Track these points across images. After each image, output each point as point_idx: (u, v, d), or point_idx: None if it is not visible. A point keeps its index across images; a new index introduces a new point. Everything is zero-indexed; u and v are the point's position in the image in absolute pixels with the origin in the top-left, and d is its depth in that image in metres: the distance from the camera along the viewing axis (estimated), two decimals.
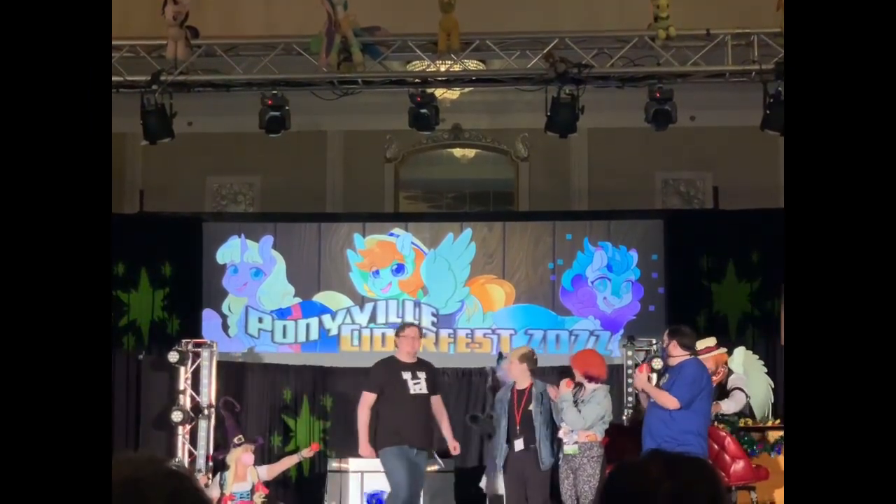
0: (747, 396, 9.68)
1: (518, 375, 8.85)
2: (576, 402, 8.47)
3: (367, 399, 8.95)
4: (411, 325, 9.61)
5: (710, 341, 9.83)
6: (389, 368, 9.01)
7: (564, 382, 8.53)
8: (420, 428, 8.88)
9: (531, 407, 8.67)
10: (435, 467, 9.23)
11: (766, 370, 10.35)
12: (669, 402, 8.05)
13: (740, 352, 10.41)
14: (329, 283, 11.69)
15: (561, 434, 8.47)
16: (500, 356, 10.30)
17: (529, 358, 8.92)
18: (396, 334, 9.26)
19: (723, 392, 9.67)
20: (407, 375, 8.93)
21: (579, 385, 8.63)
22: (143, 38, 9.85)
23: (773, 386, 10.34)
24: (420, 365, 9.03)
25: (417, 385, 8.93)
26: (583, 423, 8.39)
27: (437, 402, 9.08)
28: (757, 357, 10.44)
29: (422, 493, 9.18)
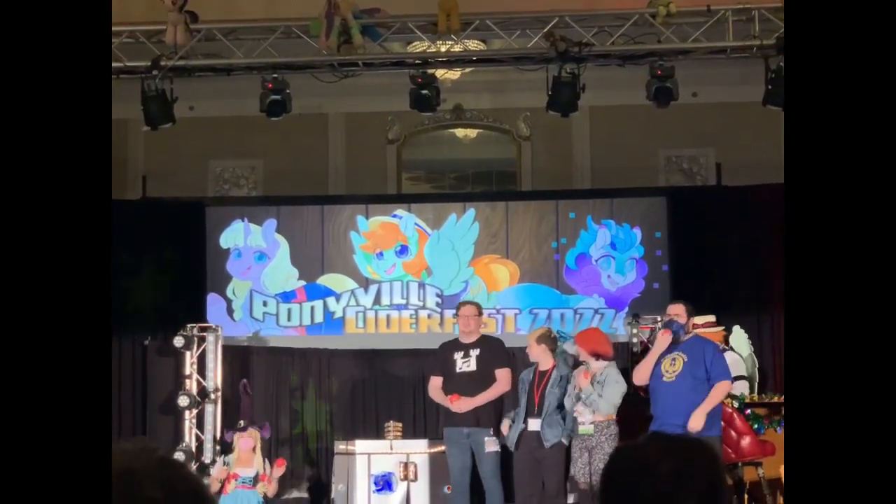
0: (746, 379, 9.73)
1: (538, 356, 8.78)
2: (592, 383, 8.40)
3: (434, 382, 9.11)
4: (466, 303, 9.42)
5: (710, 318, 9.83)
6: (445, 350, 9.08)
7: (581, 375, 8.42)
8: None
9: (550, 388, 8.64)
10: (493, 447, 8.77)
11: (752, 349, 10.42)
12: (726, 388, 8.08)
13: (738, 331, 10.44)
14: (333, 266, 11.68)
15: (576, 413, 8.39)
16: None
17: (547, 338, 8.85)
18: (454, 314, 9.37)
19: None
20: (458, 355, 8.96)
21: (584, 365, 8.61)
22: (143, 23, 9.83)
23: (757, 365, 10.42)
24: (477, 343, 8.98)
25: (466, 363, 8.93)
26: (610, 408, 8.34)
27: (499, 375, 8.89)
28: (747, 336, 10.50)
29: (488, 471, 8.78)
